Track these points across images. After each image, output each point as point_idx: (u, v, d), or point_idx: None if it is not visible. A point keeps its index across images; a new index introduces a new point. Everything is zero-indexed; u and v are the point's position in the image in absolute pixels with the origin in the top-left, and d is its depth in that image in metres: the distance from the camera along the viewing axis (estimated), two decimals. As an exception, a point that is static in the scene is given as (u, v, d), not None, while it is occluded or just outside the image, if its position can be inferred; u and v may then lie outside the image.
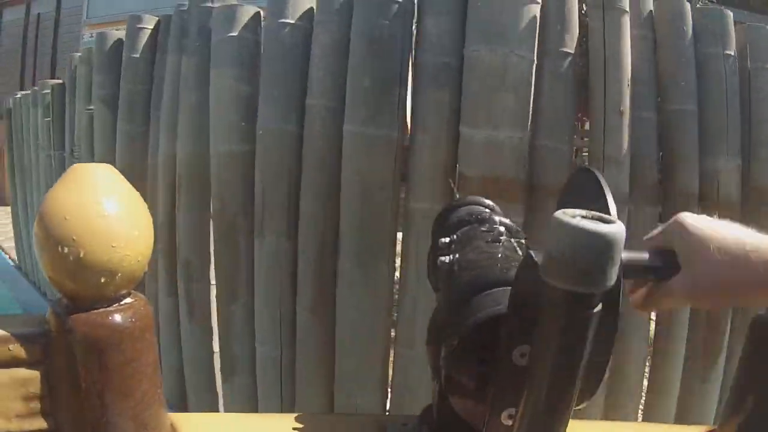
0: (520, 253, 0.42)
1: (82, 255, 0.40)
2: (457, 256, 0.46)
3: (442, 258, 0.46)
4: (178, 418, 0.51)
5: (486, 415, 0.36)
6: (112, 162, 1.84)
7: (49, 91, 2.60)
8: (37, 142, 2.83)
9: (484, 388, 0.36)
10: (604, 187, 0.36)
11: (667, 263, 0.40)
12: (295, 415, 0.53)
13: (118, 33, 1.99)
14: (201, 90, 1.48)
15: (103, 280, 0.41)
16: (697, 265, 0.39)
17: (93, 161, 1.90)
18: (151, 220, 0.45)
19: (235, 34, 1.38)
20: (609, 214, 0.31)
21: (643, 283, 0.43)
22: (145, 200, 0.44)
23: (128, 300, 0.45)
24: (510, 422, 0.35)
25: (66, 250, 0.40)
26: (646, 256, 0.41)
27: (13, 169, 3.48)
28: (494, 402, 0.36)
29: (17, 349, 0.43)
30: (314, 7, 1.34)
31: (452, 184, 1.25)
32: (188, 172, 1.50)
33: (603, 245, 0.26)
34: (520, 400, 0.32)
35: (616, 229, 0.27)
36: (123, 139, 1.77)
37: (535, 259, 0.30)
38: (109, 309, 0.43)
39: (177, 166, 1.54)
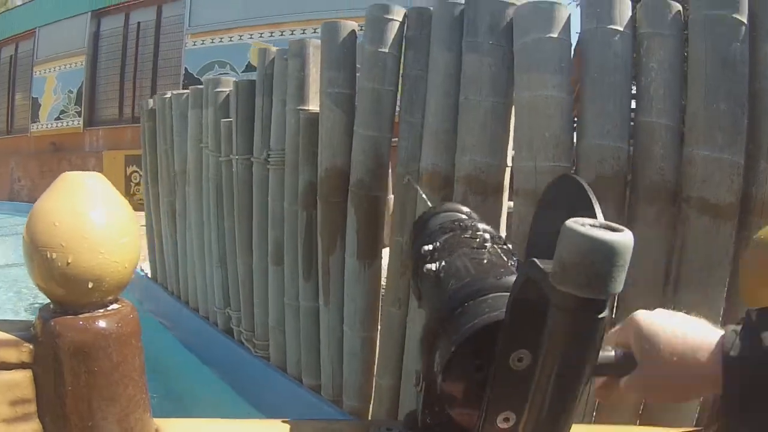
0: (505, 259, 0.46)
1: (70, 261, 0.43)
2: (443, 263, 0.47)
3: (428, 266, 0.48)
4: (165, 423, 0.54)
5: (480, 419, 0.38)
6: (345, 167, 1.75)
7: (223, 90, 2.49)
8: (200, 145, 2.80)
9: (479, 393, 0.38)
10: (591, 196, 0.38)
11: (625, 361, 0.44)
12: (280, 420, 0.55)
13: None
14: (496, 95, 1.39)
15: (90, 286, 0.44)
16: (647, 367, 0.44)
17: (302, 168, 1.87)
18: (138, 228, 0.48)
19: (554, 35, 1.28)
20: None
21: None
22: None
23: (115, 306, 0.48)
24: (506, 425, 0.37)
25: (54, 255, 0.43)
26: (612, 353, 0.44)
27: (156, 174, 3.52)
28: (490, 406, 0.38)
29: (4, 353, 0.46)
30: (637, 16, 1.31)
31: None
32: (482, 180, 1.40)
33: (615, 252, 0.28)
34: (516, 403, 0.35)
35: (626, 237, 0.29)
36: (363, 145, 1.70)
37: (542, 266, 0.32)
38: (96, 314, 0.46)
39: (458, 178, 1.45)
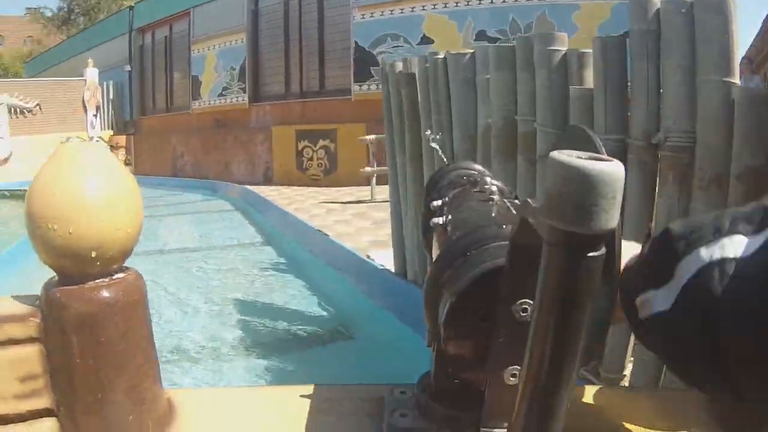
0: (514, 212, 0.49)
1: (71, 231, 0.47)
2: (449, 217, 0.53)
3: (435, 219, 0.54)
4: (176, 393, 0.59)
5: (488, 375, 0.40)
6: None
7: (559, 48, 2.18)
8: (516, 117, 2.41)
9: (485, 347, 0.40)
10: (594, 138, 0.39)
11: None
12: (292, 387, 0.60)
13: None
14: None
15: (93, 255, 0.48)
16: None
17: (737, 158, 1.60)
18: (139, 194, 0.53)
19: None
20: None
21: None
22: None
23: (120, 274, 0.52)
24: (514, 381, 0.39)
25: (55, 226, 0.47)
26: None
27: (419, 152, 3.14)
28: (496, 360, 0.39)
29: (11, 329, 0.50)
30: None
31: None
32: None
33: (600, 182, 0.29)
34: (523, 357, 0.35)
35: (615, 167, 0.30)
36: None
37: (533, 203, 0.34)
38: (100, 283, 0.50)
39: None
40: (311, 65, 10.86)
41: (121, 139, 15.59)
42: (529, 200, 0.34)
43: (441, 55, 2.87)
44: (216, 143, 12.30)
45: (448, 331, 0.41)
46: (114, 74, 16.50)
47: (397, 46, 9.20)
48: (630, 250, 0.45)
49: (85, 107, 16.08)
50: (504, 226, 0.43)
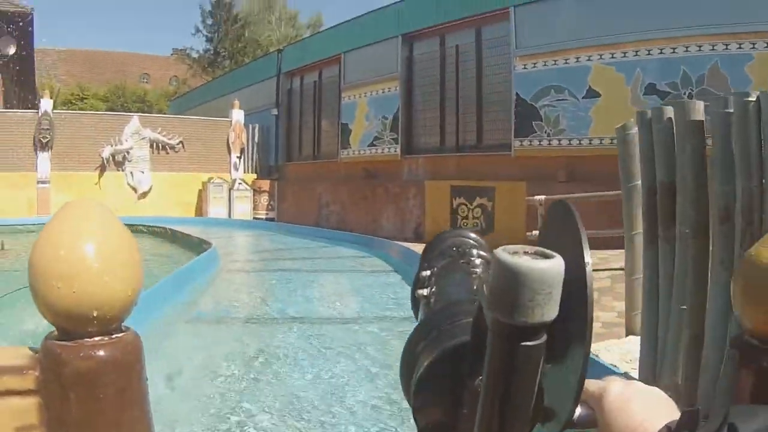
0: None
1: (74, 290, 0.58)
2: (433, 289, 0.65)
3: (420, 291, 0.66)
4: None
5: None
6: None
7: None
8: None
9: (453, 418, 0.48)
10: (581, 232, 0.47)
11: (586, 420, 0.55)
12: None
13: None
14: None
15: (95, 314, 0.59)
16: None
17: None
18: (140, 256, 0.64)
19: None
20: (581, 247, 0.44)
21: None
22: None
23: (119, 333, 0.63)
24: None
25: (59, 285, 0.58)
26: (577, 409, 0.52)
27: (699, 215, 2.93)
28: (462, 431, 0.47)
29: (10, 380, 0.61)
30: None
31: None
32: None
33: (537, 280, 0.38)
34: None
35: (551, 264, 0.38)
36: None
37: (484, 291, 0.41)
38: (100, 341, 0.61)
39: None
40: (468, 117, 11.88)
41: (265, 184, 17.59)
42: (484, 285, 0.42)
43: (752, 97, 2.69)
44: (364, 194, 13.60)
45: (417, 401, 0.49)
46: (260, 117, 18.71)
47: (562, 100, 9.88)
48: (659, 406, 0.55)
49: (229, 148, 18.38)
50: (474, 302, 0.50)
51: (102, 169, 17.05)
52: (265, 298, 7.09)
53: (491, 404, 0.42)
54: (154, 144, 17.75)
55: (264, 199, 17.54)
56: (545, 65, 10.23)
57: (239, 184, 17.53)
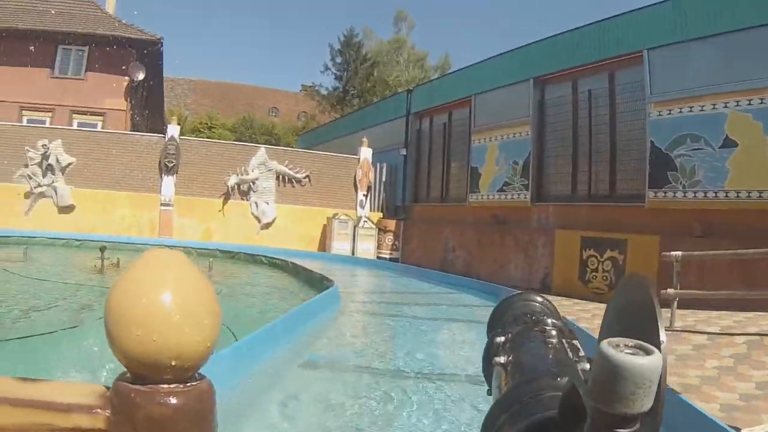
0: (571, 355, 0.67)
1: (155, 339, 0.63)
2: (510, 357, 0.71)
3: (497, 358, 0.72)
4: None
5: None
6: None
7: None
8: None
9: None
10: (656, 310, 0.52)
11: None
12: None
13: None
14: None
15: (173, 363, 0.65)
16: None
17: None
18: (219, 307, 0.70)
19: None
20: (657, 337, 0.50)
21: None
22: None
23: (194, 381, 0.68)
24: None
25: (139, 332, 0.64)
26: None
27: None
28: None
29: (80, 418, 0.66)
30: None
31: None
32: None
33: (640, 375, 0.44)
34: None
35: (651, 361, 0.44)
36: None
37: (582, 378, 0.49)
38: (175, 389, 0.66)
39: None
40: (601, 165, 12.13)
41: (390, 224, 18.43)
42: (580, 372, 0.51)
43: None
44: (492, 240, 14.10)
45: None
46: (388, 157, 19.70)
47: (698, 149, 9.90)
48: None
49: (356, 186, 19.46)
50: (558, 378, 0.58)
51: (226, 196, 18.47)
52: (385, 345, 7.09)
53: None
54: (281, 176, 18.98)
55: (389, 238, 18.33)
56: (680, 112, 10.30)
57: (364, 221, 18.39)
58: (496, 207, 14.60)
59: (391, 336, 7.79)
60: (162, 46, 23.34)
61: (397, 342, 7.36)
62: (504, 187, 14.39)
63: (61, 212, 17.37)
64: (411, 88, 20.57)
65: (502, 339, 0.78)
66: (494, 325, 0.85)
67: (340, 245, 18.02)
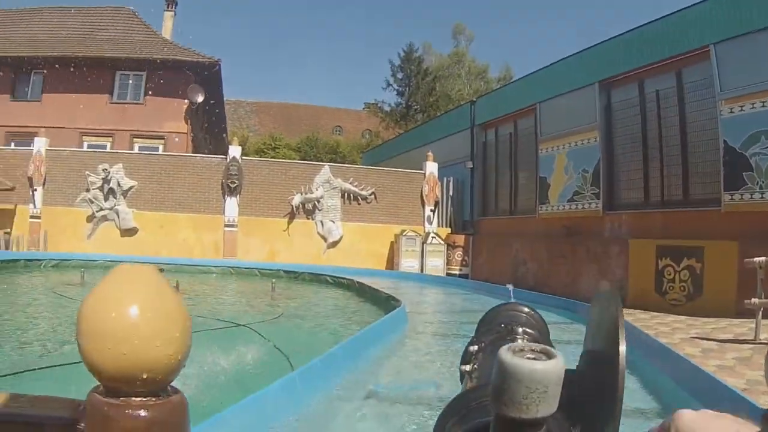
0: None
1: (125, 352, 0.66)
2: (475, 365, 0.76)
3: (463, 366, 0.77)
4: None
5: None
6: None
7: None
8: None
9: None
10: (618, 316, 0.57)
11: None
12: None
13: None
14: None
15: (145, 376, 0.68)
16: None
17: None
18: (190, 320, 0.74)
19: None
20: (618, 340, 0.54)
21: None
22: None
23: (166, 394, 0.72)
24: None
25: (110, 346, 0.66)
26: None
27: None
28: None
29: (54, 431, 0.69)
30: None
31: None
32: None
33: (533, 379, 0.45)
34: None
35: (547, 365, 0.46)
36: None
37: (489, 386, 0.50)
38: (147, 402, 0.69)
39: None
40: (673, 168, 11.98)
41: (459, 239, 18.54)
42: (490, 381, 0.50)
43: None
44: (563, 253, 14.05)
45: None
46: (454, 170, 19.86)
47: None
48: (739, 423, 0.59)
49: (423, 201, 19.63)
50: None
51: (291, 216, 18.86)
52: (454, 372, 6.69)
53: None
54: (346, 194, 19.27)
55: (458, 254, 18.41)
56: (753, 107, 10.10)
57: (433, 237, 18.50)
58: (567, 218, 14.59)
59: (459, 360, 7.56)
60: (220, 68, 24.17)
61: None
62: (574, 197, 14.36)
63: (124, 235, 18.10)
64: (474, 99, 20.64)
65: (475, 348, 0.81)
66: (475, 334, 0.89)
67: (408, 262, 18.17)
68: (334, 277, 14.51)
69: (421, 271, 17.91)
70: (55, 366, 5.13)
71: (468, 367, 0.77)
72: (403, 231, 18.58)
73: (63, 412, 0.71)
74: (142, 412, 0.68)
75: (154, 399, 0.70)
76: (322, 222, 19.01)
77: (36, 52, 23.25)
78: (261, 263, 16.89)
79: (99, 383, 0.70)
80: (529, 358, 0.48)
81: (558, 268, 14.24)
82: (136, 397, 0.69)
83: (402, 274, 17.11)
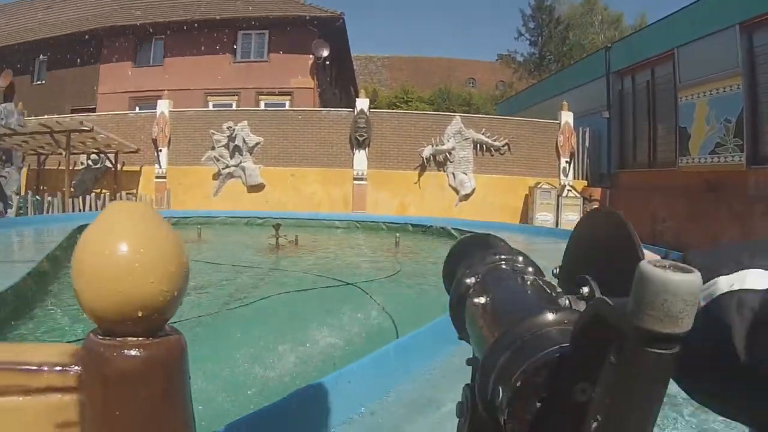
0: (549, 292, 0.67)
1: (120, 290, 0.66)
2: (489, 296, 0.71)
3: (476, 299, 0.71)
4: None
5: None
6: None
7: None
8: None
9: (543, 427, 0.54)
10: (634, 237, 0.57)
11: None
12: None
13: None
14: None
15: (140, 315, 0.68)
16: None
17: None
18: (187, 257, 0.73)
19: None
20: (640, 259, 0.53)
21: None
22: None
23: (164, 333, 0.72)
24: None
25: (105, 284, 0.66)
26: None
27: None
28: None
29: (52, 377, 0.69)
30: None
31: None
32: None
33: (689, 292, 0.45)
34: None
35: (695, 277, 0.46)
36: None
37: (612, 304, 0.49)
38: (145, 341, 0.69)
39: None
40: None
41: (596, 192, 18.05)
42: (605, 299, 0.49)
43: None
44: (704, 210, 13.45)
45: (510, 410, 0.55)
46: (590, 120, 19.31)
47: None
48: None
49: (558, 152, 19.22)
50: (554, 312, 0.59)
51: (422, 168, 18.82)
52: None
53: (620, 412, 0.49)
54: (478, 145, 19.00)
55: (594, 208, 17.79)
56: None
57: (568, 190, 18.11)
58: (708, 172, 13.90)
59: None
60: (344, 21, 24.30)
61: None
62: (716, 149, 13.68)
63: (251, 191, 18.67)
64: (609, 45, 19.76)
65: (472, 280, 0.77)
66: (452, 269, 0.85)
67: (543, 216, 17.81)
68: (463, 231, 13.82)
69: (556, 225, 17.52)
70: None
71: (482, 299, 0.71)
72: (538, 183, 18.23)
73: (61, 358, 0.71)
74: (138, 352, 0.69)
75: (150, 339, 0.70)
76: (453, 174, 18.88)
77: (156, 18, 24.35)
78: (389, 216, 16.93)
79: (97, 326, 0.71)
80: (674, 273, 0.46)
81: (697, 226, 13.65)
82: (132, 337, 0.69)
83: (535, 228, 16.72)
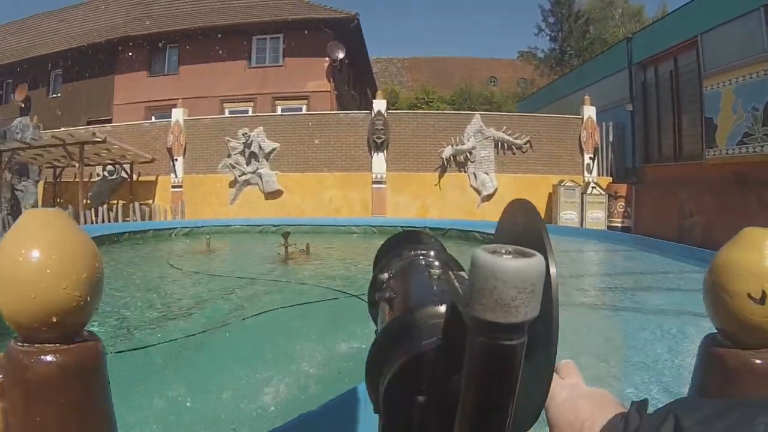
0: (457, 285, 0.61)
1: (33, 297, 0.67)
2: (394, 291, 0.71)
3: (379, 294, 0.72)
4: None
5: None
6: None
7: None
8: None
9: (424, 418, 0.53)
10: (539, 221, 0.55)
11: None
12: None
13: None
14: None
15: (55, 320, 0.68)
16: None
17: None
18: (101, 263, 0.73)
19: None
20: (545, 249, 0.50)
21: None
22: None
23: (80, 339, 0.72)
24: None
25: (19, 290, 0.67)
26: None
27: None
28: (434, 431, 0.53)
29: None
30: None
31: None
32: None
33: (521, 278, 0.42)
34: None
35: (532, 263, 0.43)
36: None
37: (460, 292, 0.47)
38: (61, 347, 0.70)
39: None
40: None
41: (621, 188, 17.48)
42: (458, 287, 0.50)
43: None
44: (733, 204, 12.89)
45: (387, 403, 0.55)
46: (614, 114, 18.79)
47: None
48: (607, 404, 0.68)
49: (581, 148, 18.71)
50: (442, 304, 0.59)
51: (442, 169, 18.40)
52: (614, 355, 5.21)
53: (472, 404, 0.47)
54: (499, 144, 18.58)
55: (620, 205, 17.34)
56: None
57: (593, 187, 17.57)
58: (737, 163, 13.33)
59: (621, 340, 5.90)
60: (359, 22, 24.05)
61: (628, 354, 5.25)
62: (744, 139, 13.08)
63: (268, 198, 18.40)
64: (630, 36, 19.24)
65: (386, 275, 0.78)
66: (378, 263, 0.88)
67: (567, 215, 17.34)
68: (484, 233, 13.59)
69: (581, 224, 17.08)
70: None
71: (387, 294, 0.73)
72: (561, 181, 17.72)
73: None
74: (54, 357, 0.70)
75: (67, 344, 0.71)
76: (475, 174, 18.46)
77: (169, 26, 24.39)
78: (409, 220, 16.58)
79: (17, 333, 0.73)
80: (507, 257, 0.44)
81: (727, 221, 12.97)
82: (49, 343, 0.71)
83: (558, 228, 16.20)
